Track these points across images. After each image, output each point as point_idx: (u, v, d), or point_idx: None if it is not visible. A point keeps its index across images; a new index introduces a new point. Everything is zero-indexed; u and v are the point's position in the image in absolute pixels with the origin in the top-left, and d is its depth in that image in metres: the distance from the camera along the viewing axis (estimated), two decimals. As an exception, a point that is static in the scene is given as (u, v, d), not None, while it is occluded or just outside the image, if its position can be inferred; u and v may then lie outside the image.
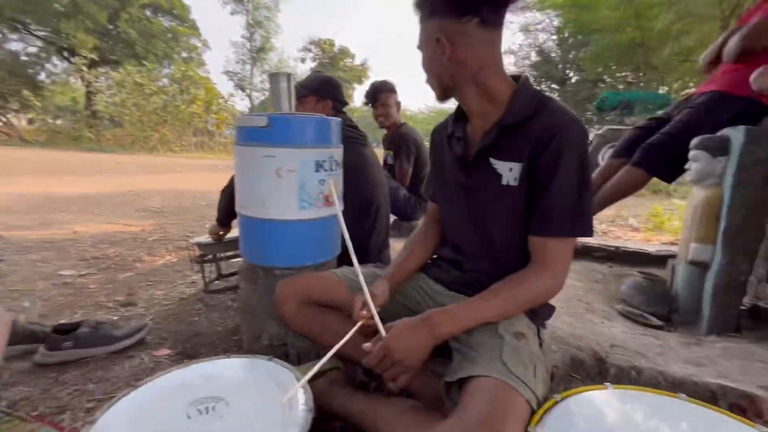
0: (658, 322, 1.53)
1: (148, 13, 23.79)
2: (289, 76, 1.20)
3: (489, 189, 0.85)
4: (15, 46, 20.00)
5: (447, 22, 0.79)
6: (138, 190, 5.38)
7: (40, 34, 20.19)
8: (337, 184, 1.20)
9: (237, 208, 1.20)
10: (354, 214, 1.36)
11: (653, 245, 2.60)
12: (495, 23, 0.79)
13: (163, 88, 18.31)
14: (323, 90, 1.59)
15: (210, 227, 1.75)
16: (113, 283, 1.98)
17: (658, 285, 1.69)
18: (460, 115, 0.94)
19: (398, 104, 2.76)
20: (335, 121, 1.21)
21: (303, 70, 31.91)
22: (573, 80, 20.63)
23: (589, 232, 0.79)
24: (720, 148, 1.45)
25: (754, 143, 1.35)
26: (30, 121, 21.39)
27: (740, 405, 0.91)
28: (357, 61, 30.19)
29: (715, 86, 1.75)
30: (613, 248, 2.33)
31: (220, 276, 1.93)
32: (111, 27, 22.13)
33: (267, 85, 32.11)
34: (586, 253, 2.33)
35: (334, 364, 1.01)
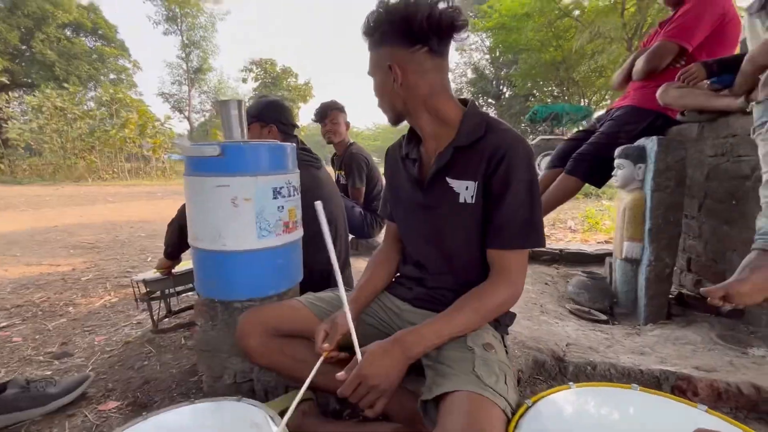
0: (603, 317, 1.66)
1: (68, 32, 22.10)
2: (239, 102, 1.17)
3: (447, 207, 0.89)
4: None
5: (397, 50, 0.83)
6: (64, 225, 4.87)
7: (-64, 55, 17.93)
8: (296, 210, 1.19)
9: (190, 241, 1.14)
10: (313, 238, 1.34)
11: (591, 245, 2.84)
12: (442, 52, 0.85)
13: (88, 112, 16.91)
14: (265, 115, 1.56)
15: (158, 261, 1.63)
16: (42, 333, 1.77)
17: (599, 282, 1.84)
18: (412, 136, 0.98)
19: (347, 124, 2.81)
20: (290, 146, 1.20)
21: (245, 90, 31.17)
22: (507, 95, 22.18)
23: (541, 242, 0.85)
24: (639, 156, 1.63)
25: (666, 151, 1.54)
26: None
27: (680, 387, 1.01)
28: (300, 81, 29.98)
29: (628, 101, 1.99)
30: (557, 251, 2.51)
31: (170, 313, 1.79)
32: (24, 48, 20.25)
33: (207, 107, 31.01)
34: (534, 258, 2.49)
35: (306, 395, 0.98)
